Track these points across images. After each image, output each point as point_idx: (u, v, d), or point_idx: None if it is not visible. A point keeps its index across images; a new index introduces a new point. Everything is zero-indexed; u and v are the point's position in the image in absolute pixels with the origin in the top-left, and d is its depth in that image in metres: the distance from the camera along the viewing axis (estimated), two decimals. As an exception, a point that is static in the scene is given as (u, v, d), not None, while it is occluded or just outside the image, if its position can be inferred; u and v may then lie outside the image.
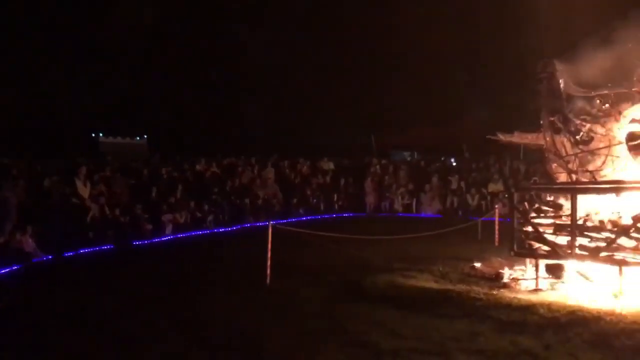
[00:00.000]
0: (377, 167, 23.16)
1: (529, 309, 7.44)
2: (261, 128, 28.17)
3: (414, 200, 21.64)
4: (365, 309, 7.76)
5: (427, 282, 9.25)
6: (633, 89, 8.95)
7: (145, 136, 28.87)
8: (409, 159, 30.44)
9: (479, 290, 8.54)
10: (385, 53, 28.13)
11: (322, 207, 20.83)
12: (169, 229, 15.17)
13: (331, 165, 23.32)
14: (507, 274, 9.55)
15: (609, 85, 9.13)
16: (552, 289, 8.74)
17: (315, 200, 20.83)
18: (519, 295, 8.35)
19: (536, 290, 8.74)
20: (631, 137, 8.59)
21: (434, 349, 6.16)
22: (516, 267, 9.78)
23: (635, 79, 9.16)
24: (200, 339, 6.64)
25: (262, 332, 6.82)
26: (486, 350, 6.11)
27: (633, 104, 9.01)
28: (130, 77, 26.90)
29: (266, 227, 9.52)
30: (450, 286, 8.97)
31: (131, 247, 13.31)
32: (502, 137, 10.61)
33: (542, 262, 9.11)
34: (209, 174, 18.67)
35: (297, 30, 28.31)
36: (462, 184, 21.14)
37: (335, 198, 21.56)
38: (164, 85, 27.87)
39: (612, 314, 7.18)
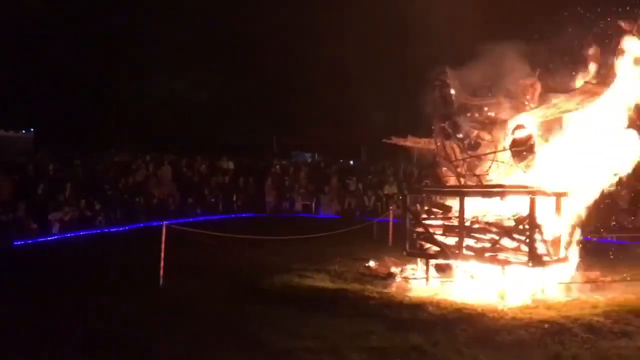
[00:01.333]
0: (278, 167, 23.19)
1: (419, 307, 7.71)
2: (158, 125, 27.28)
3: (314, 201, 21.87)
4: (262, 309, 7.72)
5: (323, 281, 9.35)
6: (517, 99, 9.53)
7: (32, 129, 27.03)
8: (309, 160, 30.73)
9: (373, 289, 8.75)
10: (288, 54, 28.20)
11: (220, 207, 20.53)
12: (55, 228, 14.32)
13: (231, 165, 23.06)
14: (399, 273, 9.89)
15: (496, 94, 9.67)
16: (442, 287, 9.13)
17: (213, 200, 20.50)
18: (411, 294, 8.66)
19: (426, 288, 9.09)
20: (514, 143, 9.14)
21: (328, 348, 6.23)
22: (408, 267, 10.14)
23: (519, 89, 9.76)
24: (90, 344, 6.29)
25: (155, 336, 6.59)
26: (378, 348, 6.26)
27: (517, 112, 9.58)
28: (16, 65, 25.06)
29: (160, 227, 9.22)
30: (345, 285, 9.12)
31: (11, 247, 12.42)
32: (397, 140, 10.97)
33: (433, 262, 9.50)
34: (102, 170, 17.86)
35: (197, 25, 27.68)
36: (360, 185, 21.64)
37: (235, 198, 21.34)
38: (53, 75, 26.18)
39: (494, 311, 7.59)
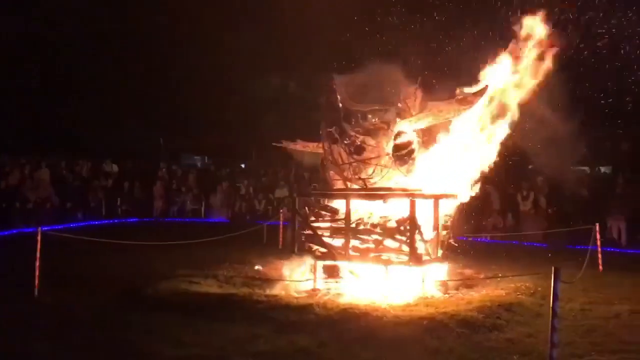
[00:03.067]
0: (165, 170, 22.58)
1: (306, 308, 7.80)
2: (37, 125, 25.56)
3: (203, 205, 21.51)
4: (145, 317, 7.47)
5: (211, 287, 9.20)
6: (399, 106, 9.95)
7: None
8: (199, 163, 30.18)
9: (261, 293, 8.74)
10: (177, 56, 27.50)
11: (103, 212, 19.65)
12: None
13: (115, 168, 22.14)
14: (288, 276, 9.97)
15: (379, 101, 10.05)
16: (329, 288, 9.32)
17: (94, 205, 19.58)
18: (299, 296, 8.76)
19: (314, 290, 9.25)
20: (397, 149, 9.55)
21: (214, 354, 6.17)
22: (297, 269, 10.23)
23: (401, 97, 10.20)
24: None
25: (28, 350, 6.18)
26: (265, 352, 6.29)
27: (399, 119, 10.00)
28: None
29: (35, 233, 8.67)
30: (233, 290, 9.04)
31: None
32: (287, 144, 11.08)
33: (320, 264, 9.67)
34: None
35: (84, 24, 26.24)
36: (251, 189, 21.59)
37: (119, 202, 20.51)
38: None
39: (378, 309, 7.85)
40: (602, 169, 23.72)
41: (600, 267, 11.49)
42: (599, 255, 11.59)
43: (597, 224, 12.03)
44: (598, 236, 11.81)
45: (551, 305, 5.35)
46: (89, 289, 9.00)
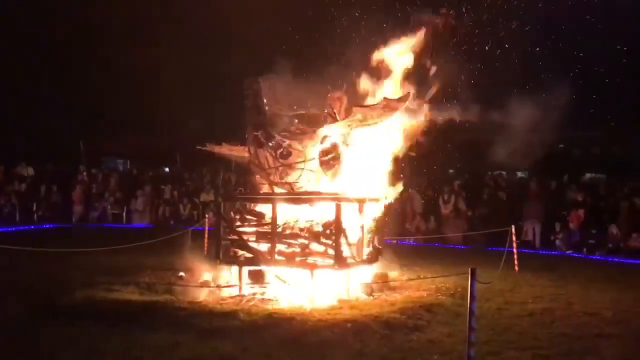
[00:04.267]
0: (85, 174, 21.73)
1: (230, 314, 7.70)
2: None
3: (125, 210, 20.86)
4: (60, 328, 7.12)
5: (131, 294, 8.91)
6: (325, 111, 10.04)
7: None
8: (121, 167, 29.24)
9: (184, 300, 8.55)
10: (98, 57, 26.53)
11: (17, 218, 18.67)
12: None
13: (30, 171, 21.09)
14: (213, 281, 9.81)
15: (305, 106, 10.10)
16: (254, 294, 9.22)
17: (7, 210, 18.57)
18: (223, 302, 8.62)
19: (239, 296, 9.13)
20: (323, 153, 9.61)
21: (132, 363, 5.97)
22: (222, 275, 10.09)
23: (328, 102, 10.29)
24: None
25: None
26: (187, 359, 6.15)
27: (325, 124, 10.08)
28: None
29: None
30: (155, 297, 8.79)
31: None
32: (212, 147, 10.92)
33: (246, 269, 9.57)
34: None
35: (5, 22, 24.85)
36: (175, 193, 21.12)
37: (35, 207, 19.55)
38: None
39: (303, 313, 7.86)
40: (519, 174, 24.83)
41: (516, 268, 12.00)
42: (515, 257, 12.10)
43: (513, 227, 12.56)
44: (514, 238, 12.33)
45: (468, 305, 5.51)
46: (-1, 300, 8.50)
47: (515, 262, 12.08)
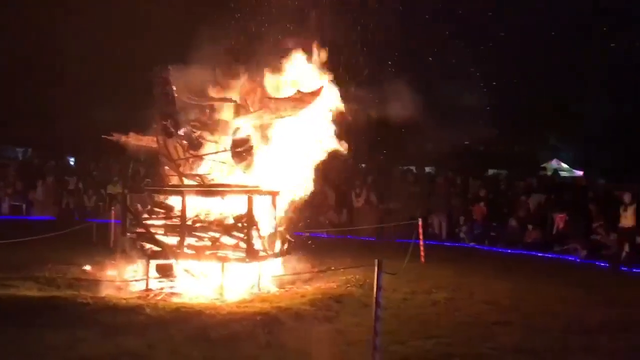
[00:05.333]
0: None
1: (135, 310, 7.46)
2: None
3: (25, 201, 19.72)
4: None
5: (29, 290, 8.42)
6: (237, 101, 9.90)
7: None
8: (20, 156, 27.55)
9: (87, 295, 8.19)
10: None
11: None
12: None
13: None
14: (118, 276, 9.47)
15: (216, 95, 9.92)
16: (162, 288, 9.00)
17: None
18: (129, 297, 8.35)
19: (146, 290, 8.88)
20: (234, 144, 9.49)
21: (30, 362, 5.65)
22: (128, 269, 9.76)
23: (241, 93, 10.17)
24: None
25: None
26: (88, 356, 5.90)
27: (238, 114, 9.96)
28: None
29: None
30: (56, 293, 8.36)
31: None
32: (118, 137, 10.52)
33: (154, 262, 9.30)
34: None
35: None
36: (80, 184, 20.21)
37: None
38: None
39: (212, 307, 7.76)
40: (427, 169, 25.69)
41: (422, 259, 12.42)
42: (421, 248, 12.52)
43: (420, 219, 12.99)
44: (421, 230, 12.75)
45: (374, 296, 5.64)
46: None
47: (422, 253, 12.50)
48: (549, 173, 23.89)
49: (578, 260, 13.77)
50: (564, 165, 29.60)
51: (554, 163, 29.43)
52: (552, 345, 6.72)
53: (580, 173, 27.96)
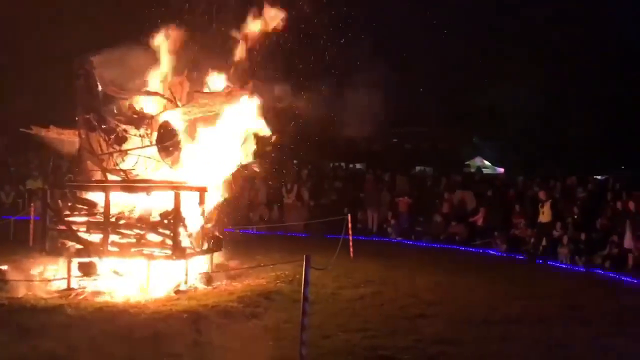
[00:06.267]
0: None
1: (56, 310, 7.19)
2: None
3: None
4: None
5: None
6: (164, 95, 9.70)
7: None
8: None
9: (3, 296, 7.84)
10: None
11: None
12: None
13: None
14: (38, 275, 9.08)
15: (144, 88, 9.68)
16: (84, 287, 8.69)
17: None
18: (49, 297, 8.02)
19: (68, 290, 8.56)
20: (161, 139, 9.27)
21: None
22: (49, 268, 9.37)
23: (168, 86, 9.96)
24: None
25: None
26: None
27: (165, 108, 9.76)
28: None
29: None
30: (-31, 294, 7.94)
31: None
32: (37, 131, 10.06)
33: (75, 261, 8.97)
34: None
35: None
36: (-4, 179, 19.20)
37: None
38: None
39: (136, 306, 7.57)
40: (358, 165, 26.10)
41: (351, 254, 12.60)
42: (350, 244, 12.70)
43: (350, 215, 13.17)
44: (350, 226, 12.93)
45: (302, 291, 5.67)
46: None
47: (351, 249, 12.68)
48: (473, 170, 24.77)
49: (498, 253, 14.37)
50: (487, 163, 30.80)
51: (478, 161, 30.57)
52: (473, 336, 6.99)
53: (501, 170, 29.23)
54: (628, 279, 11.19)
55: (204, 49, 10.27)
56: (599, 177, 18.60)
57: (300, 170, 20.09)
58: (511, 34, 27.73)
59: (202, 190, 9.37)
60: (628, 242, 11.99)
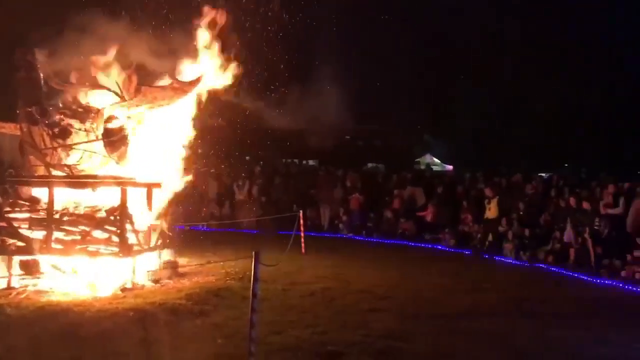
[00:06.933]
0: None
1: (-6, 310, 6.94)
2: None
3: None
4: None
5: None
6: (111, 89, 9.44)
7: None
8: None
9: (-63, 297, 7.50)
10: None
11: None
12: None
13: None
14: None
15: (90, 81, 9.41)
16: (26, 286, 8.40)
17: None
18: (-14, 298, 7.73)
19: (8, 289, 8.26)
20: (107, 134, 9.04)
21: None
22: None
23: (115, 80, 9.70)
24: None
25: None
26: None
27: (111, 102, 9.50)
28: None
29: None
30: None
31: None
32: (-25, 124, 9.65)
33: (17, 259, 8.66)
34: None
35: None
36: None
37: None
38: None
39: (81, 304, 7.38)
40: (311, 162, 26.16)
41: (303, 250, 12.62)
42: (302, 240, 12.71)
43: (301, 211, 13.17)
44: (302, 222, 12.93)
45: (251, 288, 5.63)
46: None
47: (302, 245, 12.69)
48: (423, 167, 25.18)
49: (447, 249, 14.65)
50: (436, 160, 31.40)
51: (427, 158, 31.13)
52: (421, 330, 7.09)
53: (450, 168, 29.85)
54: (569, 272, 11.58)
55: (154, 43, 10.05)
56: (543, 174, 19.18)
57: (252, 166, 19.97)
58: (462, 35, 28.35)
59: (149, 186, 9.20)
60: (569, 237, 12.41)
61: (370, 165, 26.04)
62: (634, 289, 10.14)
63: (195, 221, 15.05)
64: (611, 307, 8.98)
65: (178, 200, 10.45)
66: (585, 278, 11.09)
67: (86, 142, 9.01)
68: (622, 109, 28.99)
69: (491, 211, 14.09)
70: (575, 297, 9.59)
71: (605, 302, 9.32)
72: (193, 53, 9.74)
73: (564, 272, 11.71)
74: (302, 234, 12.80)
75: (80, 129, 8.97)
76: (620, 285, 10.47)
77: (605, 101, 29.24)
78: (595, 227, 11.74)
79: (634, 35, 28.55)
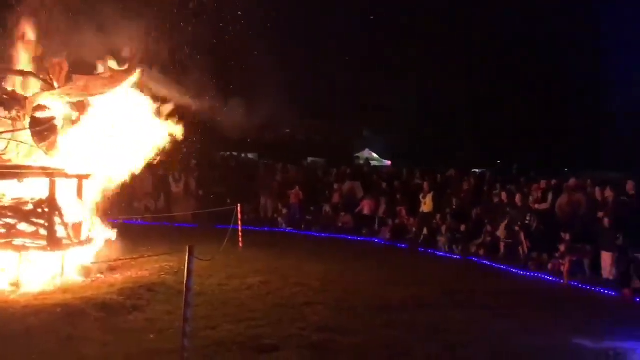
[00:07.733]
0: None
1: None
2: None
3: None
4: None
5: None
6: (40, 76, 9.05)
7: None
8: None
9: None
10: None
11: None
12: None
13: None
14: None
15: (14, 68, 8.99)
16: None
17: None
18: None
19: None
20: (35, 123, 8.66)
21: None
22: None
23: (46, 67, 9.30)
24: None
25: None
26: None
27: (41, 90, 9.11)
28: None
29: None
30: None
31: None
32: None
33: None
34: None
35: None
36: None
37: None
38: None
39: (5, 301, 7.07)
40: (250, 155, 25.95)
41: (241, 244, 12.50)
42: (240, 234, 12.59)
43: (239, 205, 13.04)
44: (240, 216, 12.81)
45: (185, 282, 5.52)
46: None
47: (240, 239, 12.58)
48: (361, 162, 25.44)
49: (383, 242, 14.86)
50: (375, 155, 31.80)
51: (366, 153, 31.47)
52: (357, 323, 7.17)
53: (388, 163, 30.33)
54: (500, 265, 11.99)
55: (88, 30, 9.68)
56: (477, 170, 19.73)
57: (188, 159, 19.59)
58: (403, 32, 28.77)
59: (81, 178, 8.88)
60: (500, 231, 12.83)
61: (310, 159, 26.09)
62: (560, 280, 10.60)
63: (129, 214, 14.65)
64: (538, 298, 9.35)
65: (111, 192, 10.14)
66: (514, 270, 11.51)
67: (12, 130, 8.60)
68: (553, 108, 30.21)
69: (427, 205, 14.40)
70: (505, 289, 9.92)
71: (533, 293, 9.69)
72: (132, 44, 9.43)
73: (494, 264, 12.11)
74: (239, 228, 12.68)
75: (5, 118, 8.55)
76: (547, 277, 10.92)
77: (535, 101, 30.37)
78: (527, 222, 12.19)
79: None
